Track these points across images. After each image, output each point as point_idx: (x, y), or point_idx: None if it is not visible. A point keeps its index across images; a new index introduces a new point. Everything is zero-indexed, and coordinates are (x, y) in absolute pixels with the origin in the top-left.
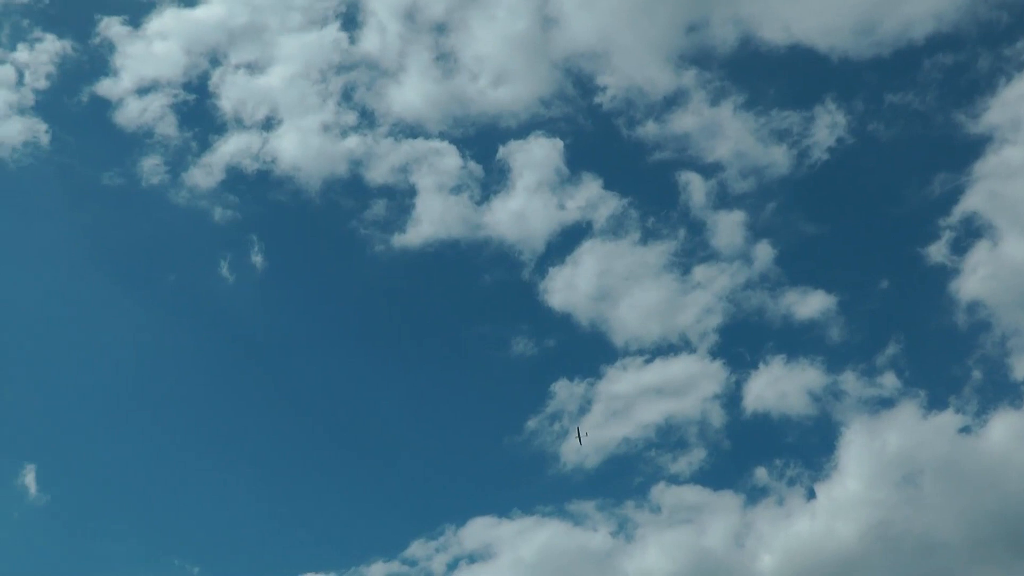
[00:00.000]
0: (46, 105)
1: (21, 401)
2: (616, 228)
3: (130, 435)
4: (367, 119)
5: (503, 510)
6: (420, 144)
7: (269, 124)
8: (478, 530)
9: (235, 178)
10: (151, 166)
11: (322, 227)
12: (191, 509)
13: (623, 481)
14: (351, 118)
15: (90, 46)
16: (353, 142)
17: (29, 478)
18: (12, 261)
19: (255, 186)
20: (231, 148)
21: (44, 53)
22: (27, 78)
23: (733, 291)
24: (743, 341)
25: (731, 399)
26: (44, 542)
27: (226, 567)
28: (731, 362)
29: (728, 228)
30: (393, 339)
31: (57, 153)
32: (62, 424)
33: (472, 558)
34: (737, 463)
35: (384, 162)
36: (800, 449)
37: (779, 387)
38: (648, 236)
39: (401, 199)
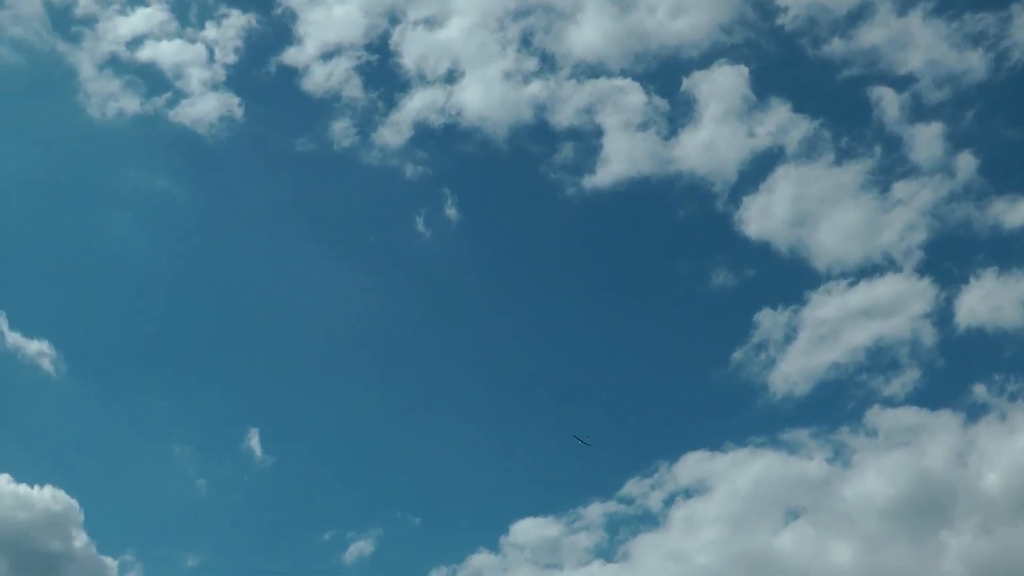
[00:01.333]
0: (236, 79)
1: (243, 369)
2: (809, 151)
3: (345, 394)
4: (548, 63)
5: (715, 444)
6: (603, 83)
7: (452, 77)
8: (692, 465)
9: (423, 134)
10: (341, 129)
11: (512, 175)
12: (409, 463)
13: (836, 407)
14: (532, 64)
15: (273, 17)
16: (536, 87)
17: (254, 441)
18: (221, 235)
19: (443, 140)
20: (416, 104)
21: (231, 29)
22: (217, 55)
23: (936, 205)
24: (950, 256)
25: (942, 316)
26: (271, 501)
27: (447, 517)
28: (939, 279)
29: (926, 141)
30: (591, 282)
31: (251, 125)
32: (281, 388)
33: (688, 493)
34: (953, 381)
35: (568, 105)
36: (1020, 362)
37: (993, 300)
38: (843, 156)
39: (588, 140)
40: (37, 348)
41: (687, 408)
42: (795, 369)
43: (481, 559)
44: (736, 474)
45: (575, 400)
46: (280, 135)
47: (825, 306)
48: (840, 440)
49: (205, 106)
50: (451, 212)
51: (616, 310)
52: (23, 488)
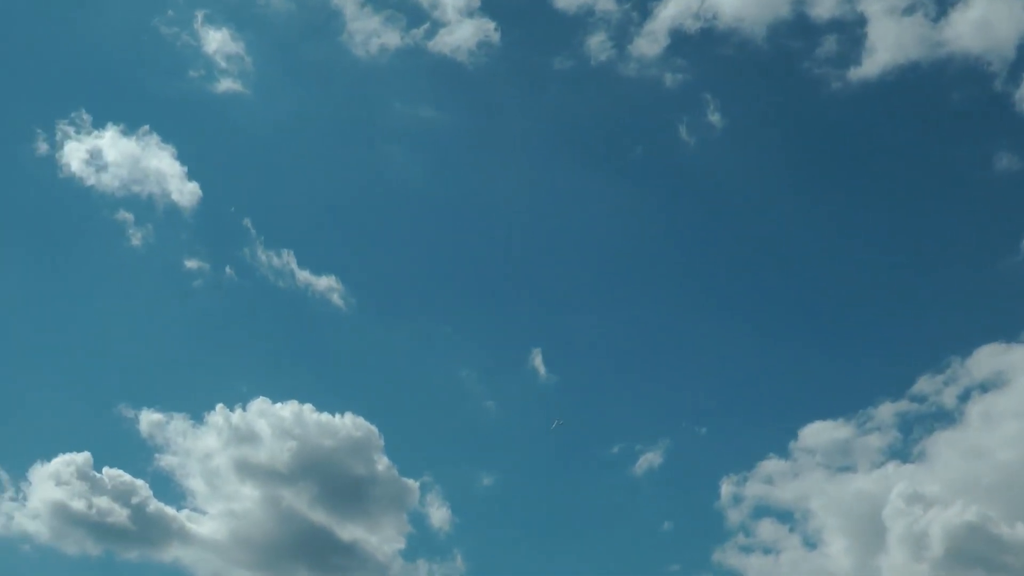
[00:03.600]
0: (490, 4)
1: (521, 291)
2: None
3: (622, 309)
4: None
5: (1010, 334)
6: None
7: None
8: (986, 358)
9: (680, 41)
10: (596, 44)
11: (774, 74)
12: (692, 373)
13: None
14: None
15: None
16: None
17: (537, 361)
18: (490, 159)
19: (701, 45)
20: (671, 12)
21: None
22: None
23: None
24: None
25: None
26: (552, 418)
27: (734, 425)
28: None
29: None
30: (866, 177)
31: (508, 48)
32: (559, 307)
33: (984, 387)
34: None
35: None
36: None
37: None
38: None
39: (851, 31)
40: (326, 284)
41: (977, 300)
42: None
43: (771, 465)
44: None
45: (859, 299)
46: (537, 55)
47: None
48: None
49: (462, 33)
50: (714, 118)
51: (895, 204)
52: (325, 416)
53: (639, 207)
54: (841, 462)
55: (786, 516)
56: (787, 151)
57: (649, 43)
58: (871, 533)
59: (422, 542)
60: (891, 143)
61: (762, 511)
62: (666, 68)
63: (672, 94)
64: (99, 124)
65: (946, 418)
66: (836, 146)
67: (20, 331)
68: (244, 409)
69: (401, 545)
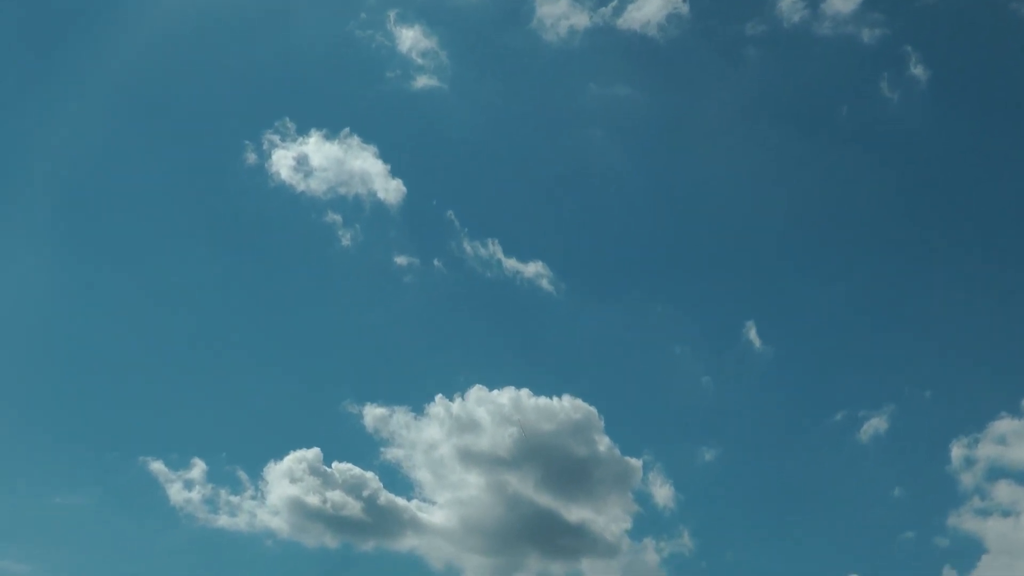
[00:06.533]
0: None
1: (730, 264)
2: None
3: (833, 275)
4: None
5: None
6: None
7: None
8: None
9: None
10: (788, 5)
11: (978, 20)
12: (911, 335)
13: None
14: None
15: None
16: None
17: (752, 334)
18: (689, 135)
19: None
20: None
21: None
22: None
23: None
24: None
25: None
26: (776, 389)
27: (960, 386)
28: None
29: None
30: None
31: (698, 18)
32: (769, 278)
33: None
34: None
35: None
36: None
37: None
38: None
39: None
40: (533, 270)
41: None
42: None
43: (1004, 425)
44: None
45: None
46: (728, 23)
47: None
48: None
49: (650, 8)
50: (917, 71)
51: None
52: (543, 400)
53: (846, 169)
54: None
55: (1023, 477)
56: (1000, 99)
57: (842, 0)
58: None
59: (648, 521)
60: None
61: (997, 472)
62: (863, 23)
63: (871, 49)
64: (303, 131)
65: None
66: None
67: (244, 337)
68: (463, 398)
69: (628, 525)
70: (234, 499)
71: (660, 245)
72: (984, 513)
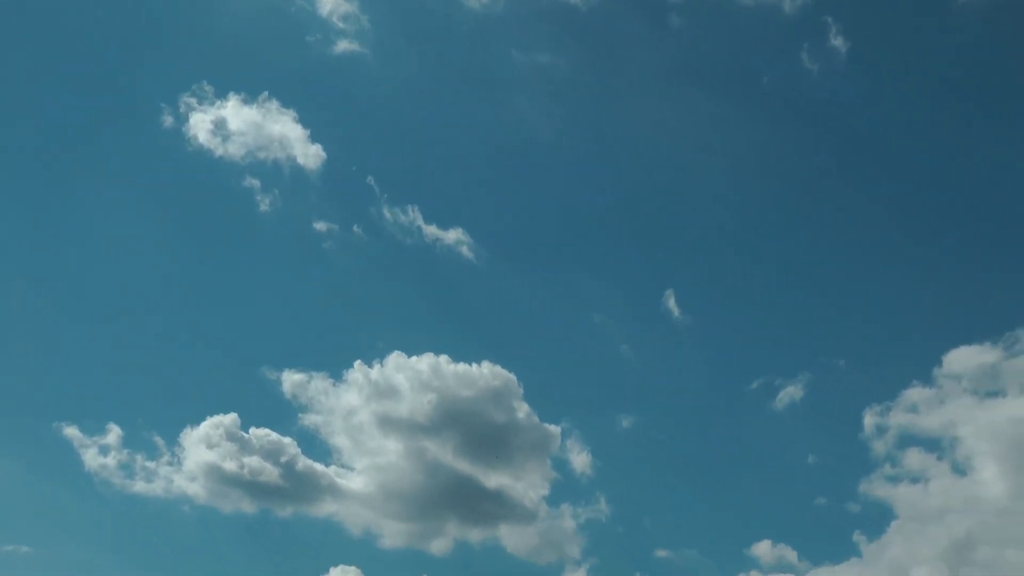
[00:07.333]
0: None
1: (651, 233)
2: None
3: (752, 245)
4: None
5: None
6: None
7: None
8: None
9: None
10: None
11: None
12: (826, 305)
13: None
14: None
15: None
16: None
17: (671, 303)
18: (611, 101)
19: None
20: None
21: None
22: None
23: None
24: None
25: None
26: (694, 358)
27: (873, 355)
28: None
29: None
30: (1006, 98)
31: None
32: (689, 248)
33: None
34: None
35: None
36: None
37: None
38: None
39: None
40: (454, 237)
41: None
42: None
43: (915, 393)
44: None
45: (997, 217)
46: None
47: None
48: None
49: None
50: (837, 42)
51: None
52: (462, 367)
53: (768, 138)
54: (990, 386)
55: (933, 444)
56: (921, 70)
57: None
58: None
59: (565, 487)
60: None
61: (908, 440)
62: None
63: (790, 19)
64: (221, 94)
65: None
66: (966, 60)
67: (161, 303)
68: (382, 364)
69: (546, 491)
70: (150, 465)
71: (580, 213)
72: (894, 480)
